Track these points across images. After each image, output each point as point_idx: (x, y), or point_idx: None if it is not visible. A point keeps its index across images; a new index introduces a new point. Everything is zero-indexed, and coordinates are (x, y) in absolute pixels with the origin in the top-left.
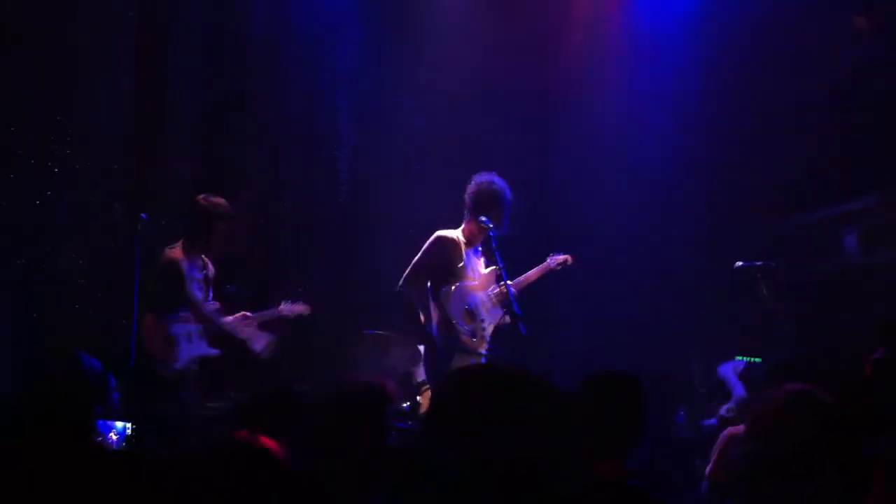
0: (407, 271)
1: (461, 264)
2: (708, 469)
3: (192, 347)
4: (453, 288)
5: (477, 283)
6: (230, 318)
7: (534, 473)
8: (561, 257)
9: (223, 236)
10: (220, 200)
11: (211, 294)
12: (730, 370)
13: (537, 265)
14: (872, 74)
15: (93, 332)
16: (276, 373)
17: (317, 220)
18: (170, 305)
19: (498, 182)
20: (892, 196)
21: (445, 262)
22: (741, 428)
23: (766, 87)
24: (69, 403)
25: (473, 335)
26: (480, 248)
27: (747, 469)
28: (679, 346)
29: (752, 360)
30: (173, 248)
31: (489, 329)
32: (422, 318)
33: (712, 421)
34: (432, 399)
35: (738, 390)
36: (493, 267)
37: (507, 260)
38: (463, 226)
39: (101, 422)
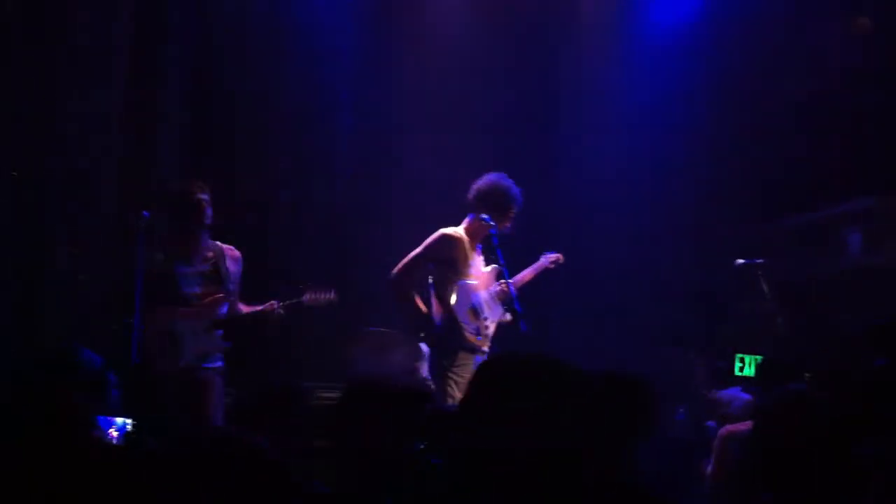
0: (403, 262)
1: (468, 263)
2: (709, 468)
3: (199, 342)
4: (457, 286)
5: (478, 281)
6: (253, 308)
7: (561, 464)
8: (553, 255)
9: (199, 209)
10: (183, 182)
11: (231, 287)
12: (730, 395)
13: (531, 264)
14: (869, 76)
15: (94, 331)
16: (276, 370)
17: (316, 217)
18: (164, 301)
19: (506, 181)
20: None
21: (451, 260)
22: (741, 427)
23: (765, 85)
24: (66, 398)
25: (478, 333)
26: (480, 246)
27: (748, 469)
28: (679, 345)
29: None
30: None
31: (492, 327)
32: (422, 308)
33: (712, 423)
34: (466, 390)
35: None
36: (494, 265)
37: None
38: (465, 223)
39: (101, 418)
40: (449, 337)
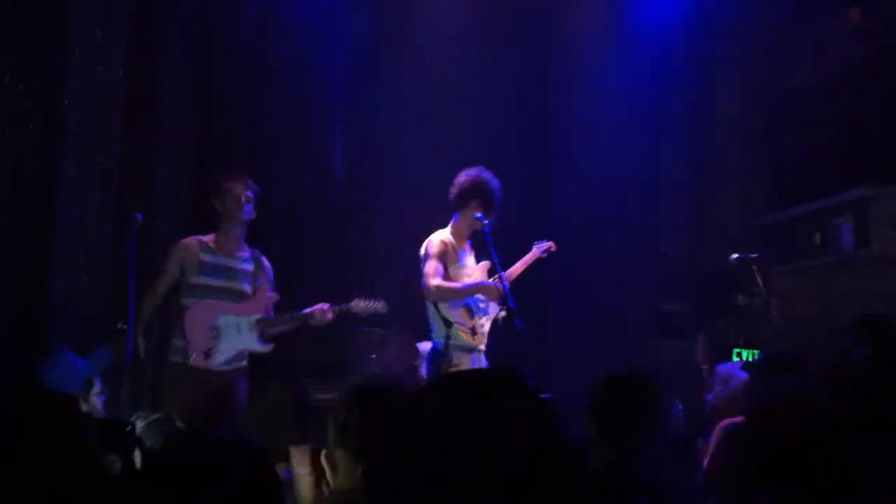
0: (429, 278)
1: (456, 264)
2: (705, 462)
3: (240, 340)
4: None
5: (471, 279)
6: (306, 309)
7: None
8: (546, 244)
9: (232, 199)
10: (229, 173)
11: (269, 288)
12: (728, 369)
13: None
14: (867, 68)
15: (93, 332)
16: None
17: (311, 217)
18: (197, 294)
19: (484, 174)
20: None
21: (443, 265)
22: (737, 420)
23: (762, 78)
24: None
25: (473, 332)
26: (471, 242)
27: (744, 464)
28: (674, 340)
29: (751, 353)
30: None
31: (487, 325)
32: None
33: (709, 396)
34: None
35: (731, 385)
36: (485, 262)
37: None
38: (451, 224)
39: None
40: (444, 337)
